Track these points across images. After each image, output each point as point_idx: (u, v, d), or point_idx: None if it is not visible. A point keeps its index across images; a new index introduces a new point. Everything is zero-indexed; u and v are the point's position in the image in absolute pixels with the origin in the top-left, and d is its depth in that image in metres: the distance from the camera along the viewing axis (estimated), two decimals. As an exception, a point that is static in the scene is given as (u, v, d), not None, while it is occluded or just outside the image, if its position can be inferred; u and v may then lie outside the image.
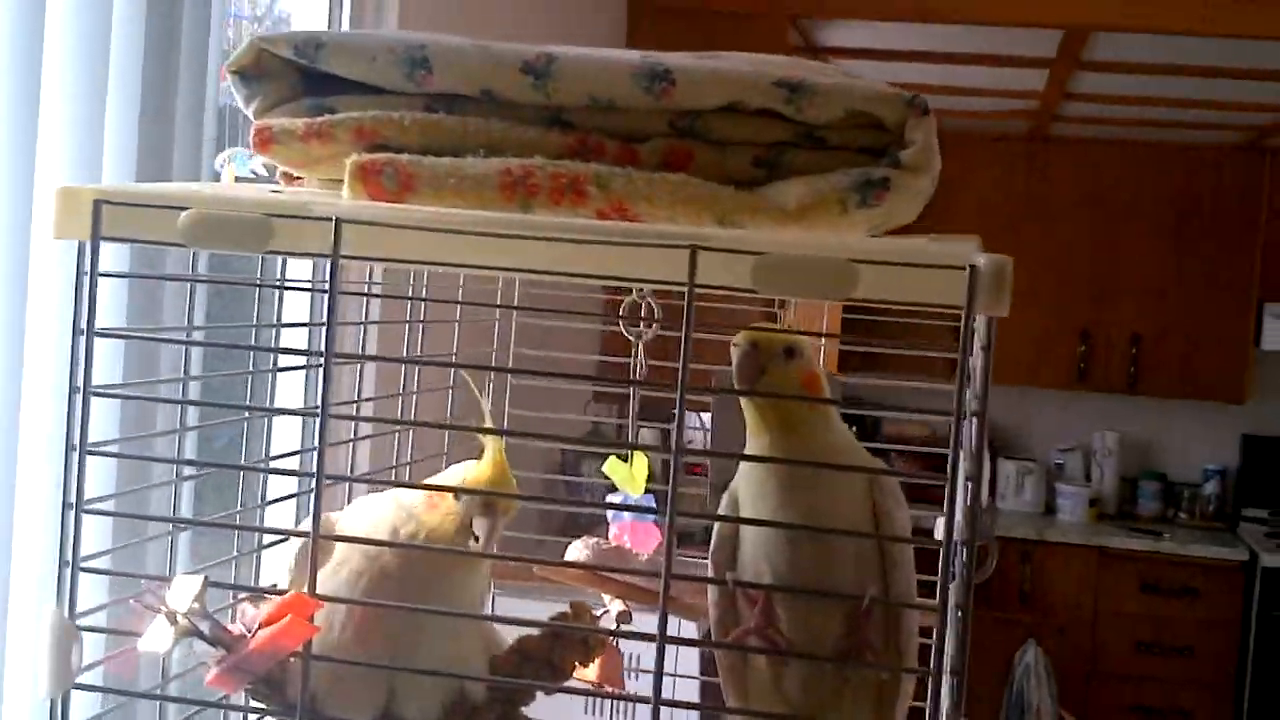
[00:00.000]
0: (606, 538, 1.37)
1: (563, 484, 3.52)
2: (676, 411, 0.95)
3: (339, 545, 1.11)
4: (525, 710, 1.13)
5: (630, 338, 1.34)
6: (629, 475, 1.37)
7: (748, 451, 1.18)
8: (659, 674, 0.94)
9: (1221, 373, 5.74)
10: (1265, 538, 5.72)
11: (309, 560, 0.99)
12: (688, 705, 1.08)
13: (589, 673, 1.28)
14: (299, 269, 1.46)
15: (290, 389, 2.25)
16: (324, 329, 1.02)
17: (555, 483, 3.57)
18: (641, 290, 1.27)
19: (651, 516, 1.35)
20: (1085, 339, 5.74)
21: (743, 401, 1.19)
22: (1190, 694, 5.56)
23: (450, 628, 1.10)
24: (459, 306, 1.64)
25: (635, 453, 1.38)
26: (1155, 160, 5.70)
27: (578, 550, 1.29)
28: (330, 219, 0.99)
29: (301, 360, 1.64)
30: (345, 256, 1.00)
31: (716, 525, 1.21)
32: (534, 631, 1.12)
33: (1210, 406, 5.92)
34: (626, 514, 1.36)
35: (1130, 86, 4.69)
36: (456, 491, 1.08)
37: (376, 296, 1.53)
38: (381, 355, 1.55)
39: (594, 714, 2.58)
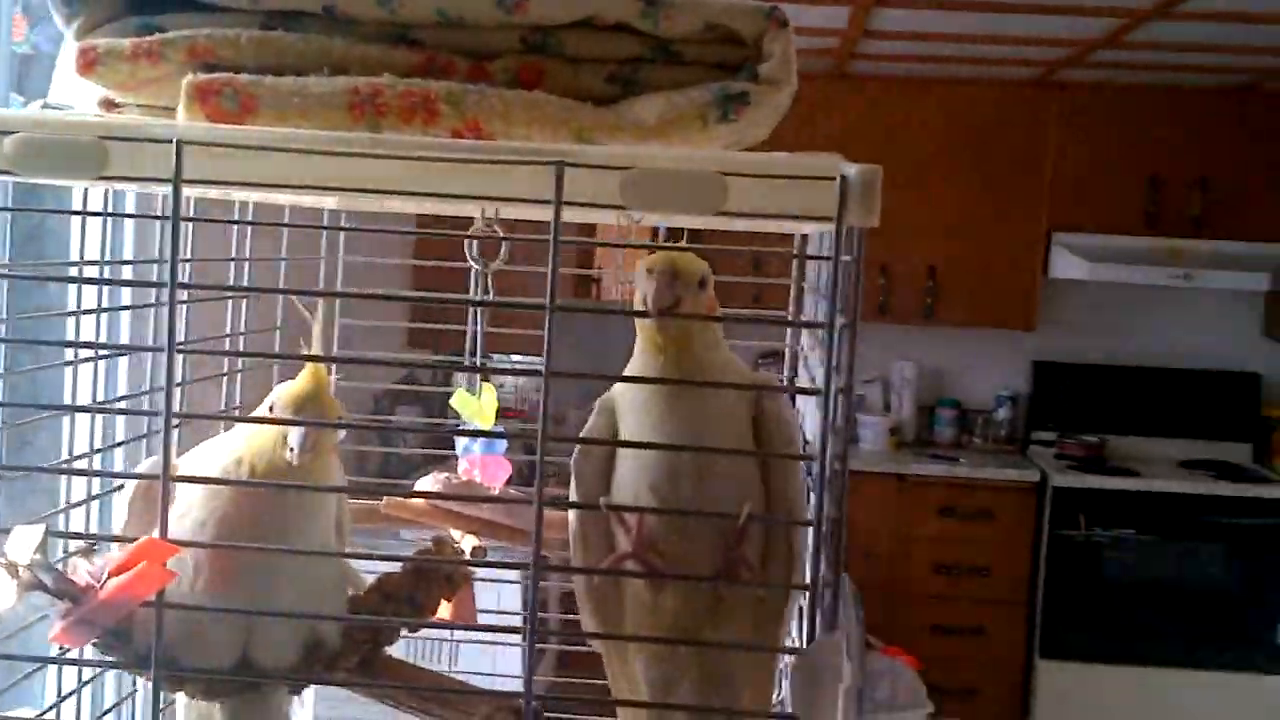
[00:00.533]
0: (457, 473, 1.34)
1: (376, 434, 3.45)
2: (546, 329, 0.92)
3: (180, 496, 1.06)
4: (388, 651, 1.09)
5: (478, 266, 1.30)
6: (478, 408, 1.34)
7: (631, 369, 1.17)
8: (534, 605, 0.92)
9: (1013, 301, 5.91)
10: (1054, 459, 5.94)
11: (158, 505, 0.94)
12: (567, 633, 1.06)
13: (441, 612, 1.25)
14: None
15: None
16: (167, 262, 0.97)
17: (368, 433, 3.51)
18: (490, 217, 1.23)
19: (501, 448, 1.32)
20: (884, 273, 5.85)
21: (638, 322, 1.17)
22: (987, 611, 5.75)
23: (304, 568, 1.06)
24: (284, 244, 1.58)
25: (484, 385, 1.35)
26: (949, 96, 5.83)
27: (429, 486, 1.25)
28: (170, 140, 0.94)
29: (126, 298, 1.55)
30: (188, 181, 0.95)
31: (585, 435, 1.19)
32: (394, 569, 1.09)
33: (1002, 334, 6.10)
34: (476, 448, 1.33)
35: (926, 23, 4.77)
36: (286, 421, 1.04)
37: (194, 220, 1.46)
38: (222, 285, 1.49)
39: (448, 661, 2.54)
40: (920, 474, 5.74)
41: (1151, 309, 6.20)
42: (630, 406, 1.17)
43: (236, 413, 1.43)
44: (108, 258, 1.82)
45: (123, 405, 1.33)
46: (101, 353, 1.26)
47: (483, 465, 1.32)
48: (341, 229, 1.57)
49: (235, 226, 1.49)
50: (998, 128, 5.81)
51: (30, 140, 0.93)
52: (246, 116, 1.03)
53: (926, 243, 5.84)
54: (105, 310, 1.36)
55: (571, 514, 1.22)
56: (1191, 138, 5.75)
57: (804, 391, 1.28)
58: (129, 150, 0.94)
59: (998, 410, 6.22)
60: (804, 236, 1.75)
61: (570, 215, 0.94)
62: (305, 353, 1.07)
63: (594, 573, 1.14)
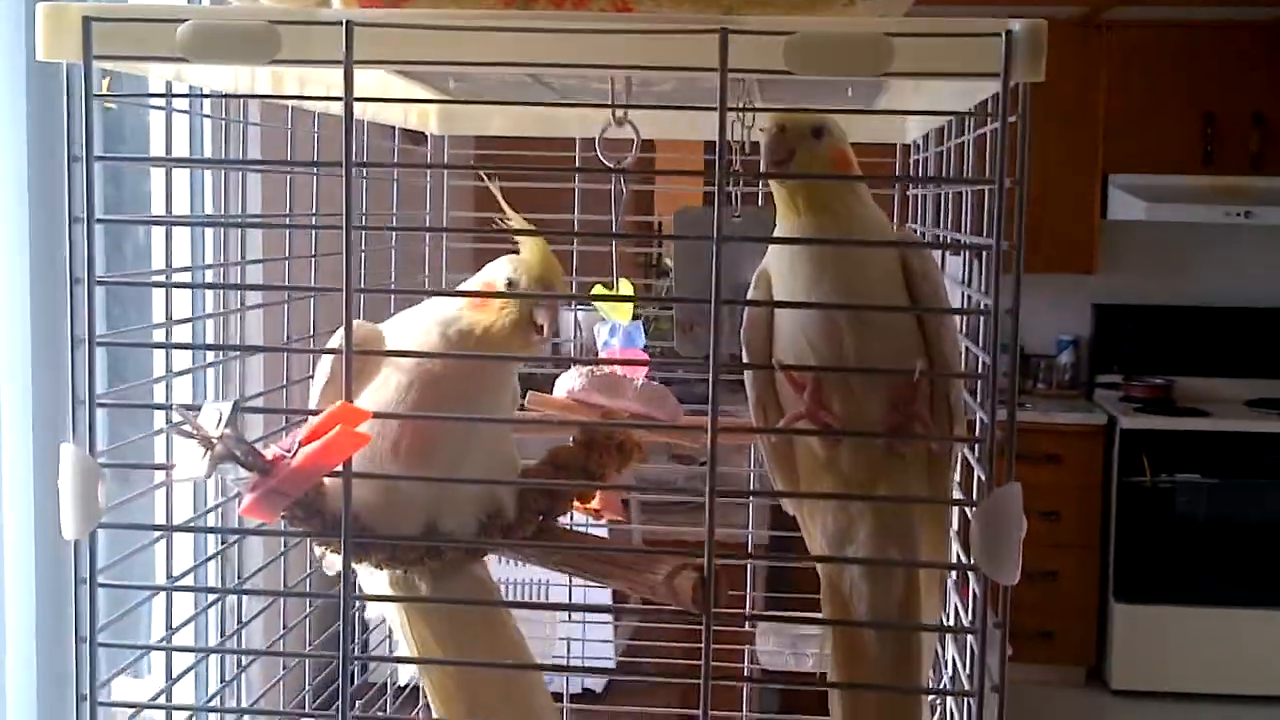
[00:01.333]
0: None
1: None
2: (716, 203, 0.93)
3: (382, 363, 1.08)
4: (561, 521, 1.12)
5: (609, 164, 1.31)
6: (617, 304, 1.35)
7: (777, 234, 1.18)
8: (713, 461, 0.93)
9: (1072, 245, 5.89)
10: (1120, 401, 5.93)
11: (354, 379, 0.96)
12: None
13: (590, 501, 1.27)
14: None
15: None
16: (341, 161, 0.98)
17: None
18: (623, 116, 1.24)
19: (640, 341, 1.34)
20: (940, 220, 5.84)
21: (773, 185, 1.18)
22: (1058, 556, 5.74)
23: (491, 441, 1.09)
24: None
25: (621, 279, 1.37)
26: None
27: (572, 379, 1.27)
28: (340, 23, 0.95)
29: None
30: (359, 63, 0.96)
31: (748, 309, 1.20)
32: (566, 442, 1.11)
33: (1062, 279, 6.08)
34: (615, 342, 1.35)
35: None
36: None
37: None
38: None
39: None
40: (986, 421, 5.73)
41: (1212, 248, 6.16)
42: (781, 273, 1.18)
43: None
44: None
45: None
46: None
47: (623, 354, 1.34)
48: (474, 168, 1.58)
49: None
50: (1049, 70, 5.73)
51: (204, 26, 0.95)
52: (401, 1, 1.04)
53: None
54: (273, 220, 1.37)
55: (749, 386, 1.23)
56: (1244, 73, 5.71)
57: (971, 248, 1.28)
58: (299, 34, 0.96)
59: (1060, 355, 6.20)
60: (906, 147, 1.76)
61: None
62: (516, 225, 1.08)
63: (772, 432, 1.16)
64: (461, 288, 1.12)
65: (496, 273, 1.09)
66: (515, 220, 1.07)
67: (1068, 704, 5.69)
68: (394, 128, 1.65)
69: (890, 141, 1.74)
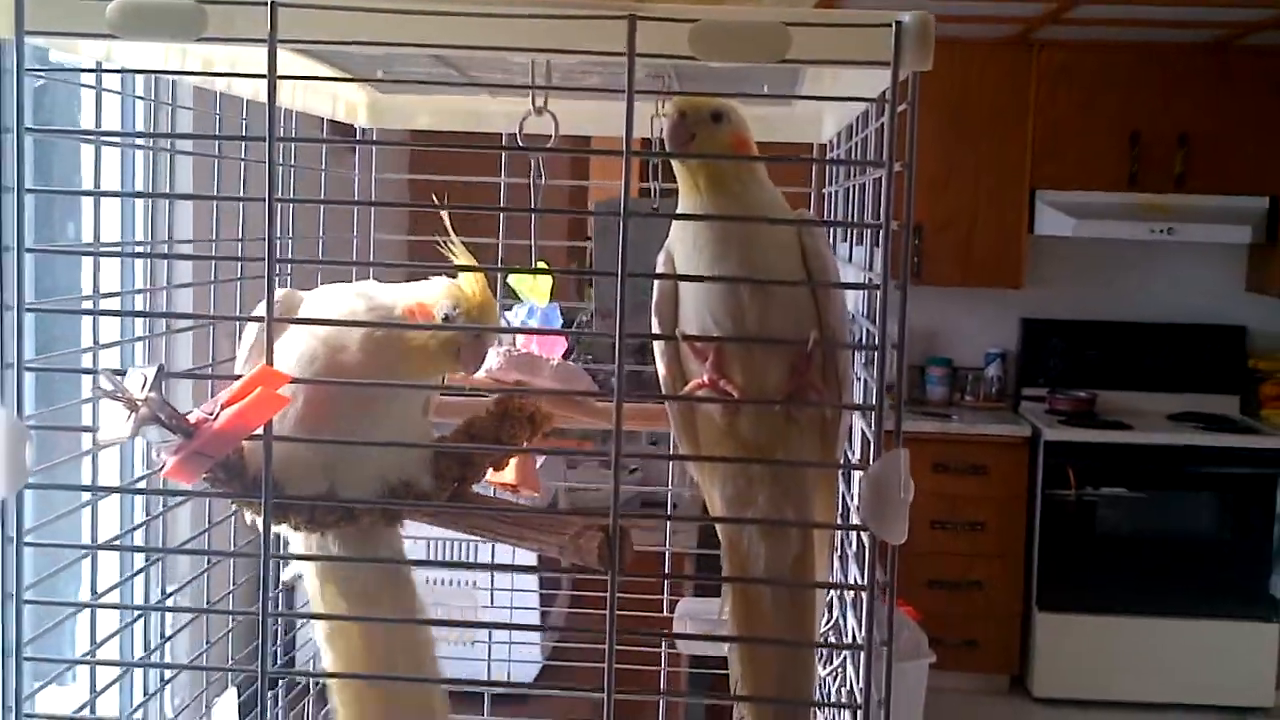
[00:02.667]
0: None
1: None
2: (623, 180, 0.98)
3: (301, 338, 1.12)
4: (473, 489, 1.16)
5: (530, 153, 1.36)
6: (534, 285, 1.40)
7: (681, 211, 1.23)
8: (618, 429, 0.98)
9: (999, 260, 5.99)
10: (1045, 414, 6.03)
11: (267, 340, 1.01)
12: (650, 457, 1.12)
13: (506, 476, 1.32)
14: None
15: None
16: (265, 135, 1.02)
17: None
18: (542, 105, 1.30)
19: (557, 322, 1.39)
20: (871, 233, 5.91)
21: (675, 165, 1.23)
22: (983, 565, 5.84)
23: (399, 420, 1.13)
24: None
25: (540, 263, 1.41)
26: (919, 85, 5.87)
27: (490, 358, 1.31)
28: (265, 3, 0.99)
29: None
30: (283, 41, 1.00)
31: (656, 283, 1.25)
32: (480, 414, 1.16)
33: (990, 293, 6.19)
34: (533, 323, 1.39)
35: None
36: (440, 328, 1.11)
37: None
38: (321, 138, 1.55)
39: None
40: (913, 431, 5.81)
41: (1137, 264, 6.29)
42: (685, 251, 1.23)
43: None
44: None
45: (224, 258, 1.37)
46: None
47: (540, 337, 1.39)
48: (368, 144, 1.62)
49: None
50: (979, 88, 5.87)
51: (132, 4, 0.99)
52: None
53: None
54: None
55: (658, 357, 1.29)
56: (1170, 95, 5.84)
57: (863, 226, 1.34)
58: (224, 13, 1.00)
59: (988, 368, 6.30)
60: (823, 147, 1.82)
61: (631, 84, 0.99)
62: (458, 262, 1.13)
63: (674, 399, 1.22)
64: (399, 295, 1.16)
65: (436, 298, 1.13)
66: (460, 253, 1.12)
67: (991, 711, 5.77)
68: (322, 121, 1.69)
69: (808, 141, 1.80)
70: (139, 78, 1.54)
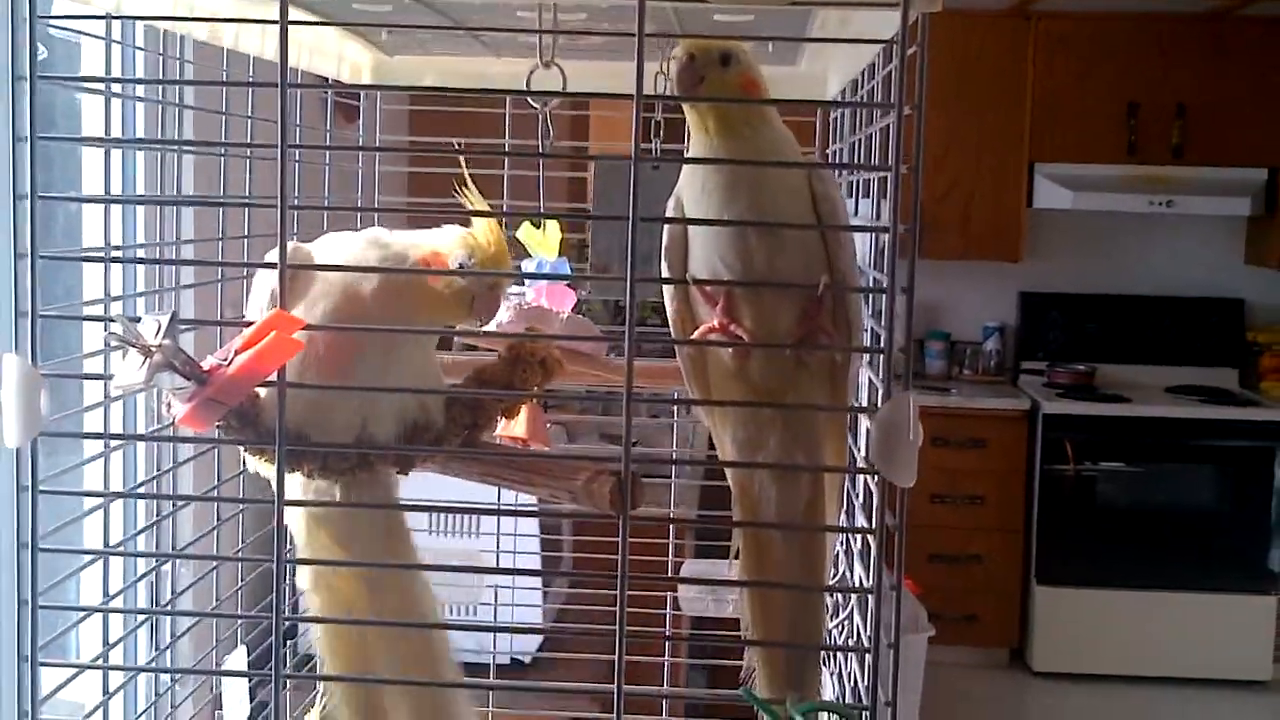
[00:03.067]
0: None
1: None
2: (634, 124, 0.98)
3: (315, 284, 1.12)
4: (484, 436, 1.16)
5: (536, 106, 1.36)
6: (543, 239, 1.41)
7: (691, 155, 1.23)
8: (629, 378, 0.98)
9: (998, 233, 5.99)
10: (1044, 388, 6.04)
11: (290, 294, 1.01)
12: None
13: (516, 429, 1.32)
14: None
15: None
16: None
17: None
18: (550, 59, 1.30)
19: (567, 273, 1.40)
20: (870, 207, 5.92)
21: (685, 109, 1.23)
22: (982, 539, 5.85)
23: (415, 362, 1.14)
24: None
25: (547, 221, 1.42)
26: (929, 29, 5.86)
27: (502, 311, 1.32)
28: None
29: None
30: (292, -12, 1.01)
31: (666, 228, 1.26)
32: (492, 360, 1.16)
33: (988, 266, 6.19)
34: (541, 278, 1.40)
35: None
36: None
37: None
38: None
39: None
40: (913, 405, 5.80)
41: (1136, 237, 6.29)
42: (694, 196, 1.23)
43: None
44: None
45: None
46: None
47: (549, 293, 1.39)
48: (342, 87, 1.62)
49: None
50: (977, 60, 5.86)
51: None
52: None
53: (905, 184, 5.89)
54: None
55: (668, 301, 1.29)
56: (1168, 65, 5.83)
57: (872, 168, 1.34)
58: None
59: (986, 342, 6.31)
60: (827, 115, 1.83)
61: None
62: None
63: (686, 343, 1.22)
64: (411, 241, 1.16)
65: (450, 247, 1.14)
66: (475, 201, 1.12)
67: (990, 685, 5.79)
68: (326, 80, 1.69)
69: (814, 98, 1.80)
70: (139, 36, 1.55)
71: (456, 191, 1.15)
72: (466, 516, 2.22)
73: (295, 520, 1.19)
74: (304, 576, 1.21)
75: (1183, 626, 5.69)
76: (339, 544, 1.17)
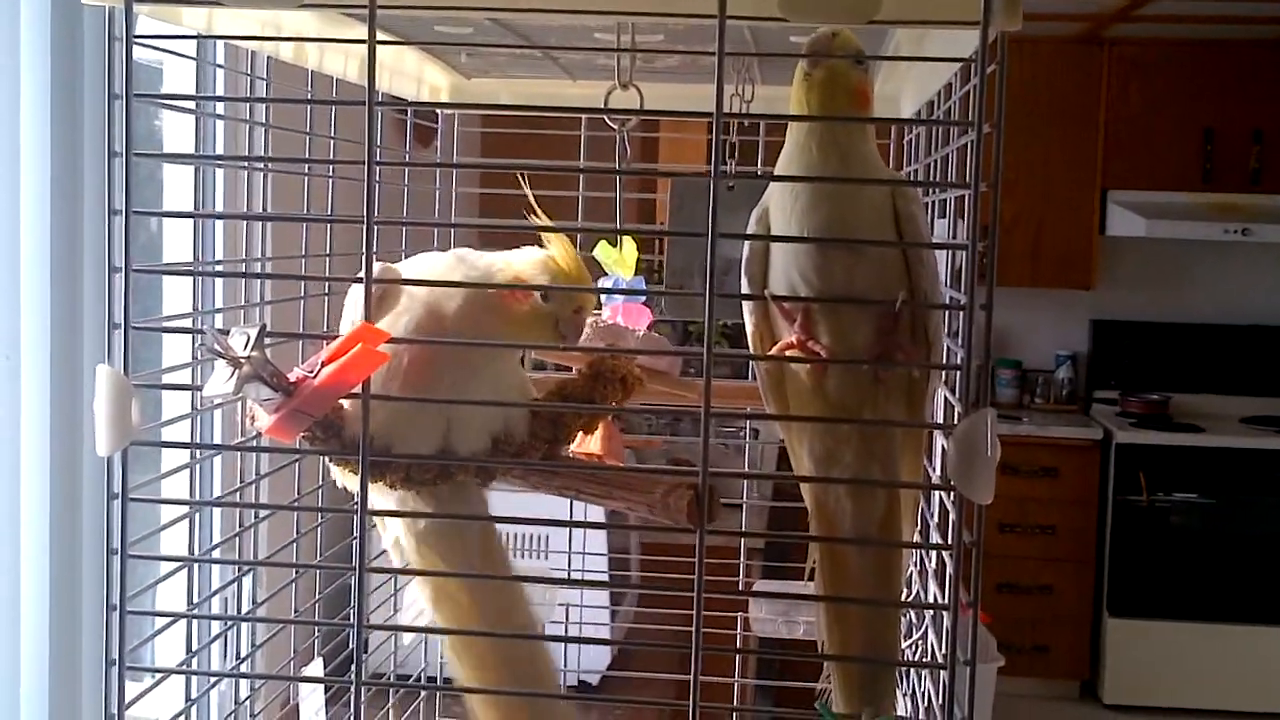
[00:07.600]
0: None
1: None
2: (714, 146, 0.99)
3: (401, 298, 1.15)
4: (563, 451, 1.18)
5: (614, 126, 1.38)
6: (620, 258, 1.42)
7: (781, 158, 1.23)
8: (708, 390, 0.99)
9: (1070, 260, 5.95)
10: (1117, 416, 5.98)
11: (381, 307, 1.03)
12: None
13: (592, 445, 1.34)
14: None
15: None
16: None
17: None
18: (628, 80, 1.32)
19: (642, 297, 1.41)
20: (941, 234, 5.90)
21: (795, 85, 1.22)
22: (1053, 570, 5.79)
23: (498, 377, 1.16)
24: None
25: (624, 236, 1.43)
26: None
27: (578, 329, 1.33)
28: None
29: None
30: (381, 5, 1.02)
31: (748, 243, 1.27)
32: (573, 376, 1.18)
33: (1060, 294, 6.14)
34: (617, 295, 1.41)
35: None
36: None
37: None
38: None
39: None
40: (983, 433, 5.77)
41: (1210, 265, 6.22)
42: (780, 205, 1.24)
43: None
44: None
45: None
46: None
47: (625, 312, 1.41)
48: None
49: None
50: (1049, 86, 5.83)
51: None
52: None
53: (983, 204, 5.86)
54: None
55: (747, 316, 1.30)
56: (1244, 90, 5.77)
57: (952, 186, 1.33)
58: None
59: (1058, 370, 6.25)
60: (901, 136, 1.83)
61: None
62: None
63: (763, 359, 1.23)
64: (494, 260, 1.18)
65: (532, 271, 1.16)
66: (551, 236, 1.15)
67: (1061, 717, 5.73)
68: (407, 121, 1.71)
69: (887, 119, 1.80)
70: (219, 56, 1.58)
71: (530, 213, 1.17)
72: (537, 538, 2.24)
73: (395, 535, 1.23)
74: (425, 592, 1.24)
75: (1256, 659, 5.61)
76: (440, 557, 1.20)
